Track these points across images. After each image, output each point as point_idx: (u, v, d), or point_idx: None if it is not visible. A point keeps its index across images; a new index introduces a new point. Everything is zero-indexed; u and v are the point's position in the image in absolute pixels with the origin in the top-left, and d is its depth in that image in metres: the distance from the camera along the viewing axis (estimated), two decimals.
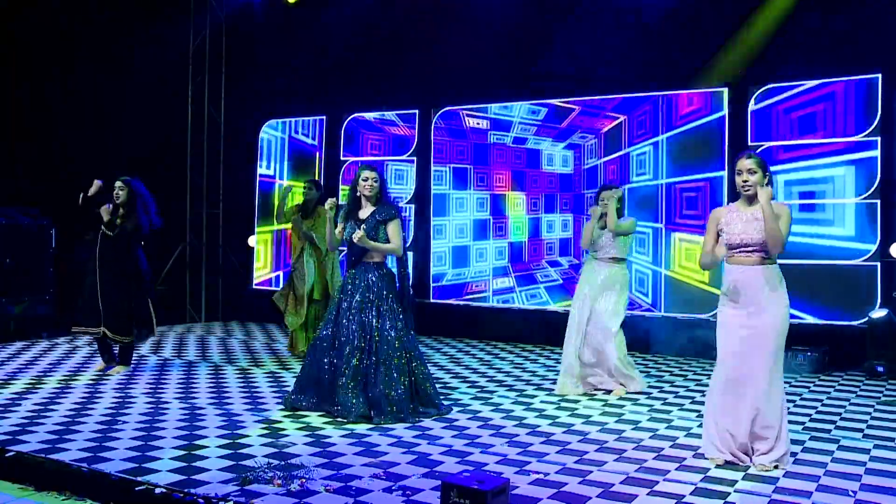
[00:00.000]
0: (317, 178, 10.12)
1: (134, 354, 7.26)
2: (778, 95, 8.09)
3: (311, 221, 7.94)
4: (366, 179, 5.58)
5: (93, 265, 6.85)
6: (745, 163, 4.42)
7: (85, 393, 6.14)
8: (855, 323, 7.67)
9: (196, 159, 11.40)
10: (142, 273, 6.87)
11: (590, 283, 6.43)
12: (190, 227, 11.47)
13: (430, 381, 5.65)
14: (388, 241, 5.50)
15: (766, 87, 8.13)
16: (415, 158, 10.19)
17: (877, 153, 7.63)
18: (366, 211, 5.61)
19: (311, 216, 7.97)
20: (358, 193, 5.64)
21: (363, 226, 5.49)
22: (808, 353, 7.53)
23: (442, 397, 5.82)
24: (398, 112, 10.29)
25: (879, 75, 7.64)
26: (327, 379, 5.48)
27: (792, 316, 4.56)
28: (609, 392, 6.37)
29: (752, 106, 8.18)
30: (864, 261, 7.65)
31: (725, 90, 8.35)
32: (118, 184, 6.88)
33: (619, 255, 6.41)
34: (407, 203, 10.10)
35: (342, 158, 10.74)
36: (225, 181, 11.57)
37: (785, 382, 6.82)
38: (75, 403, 5.75)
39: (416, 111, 10.15)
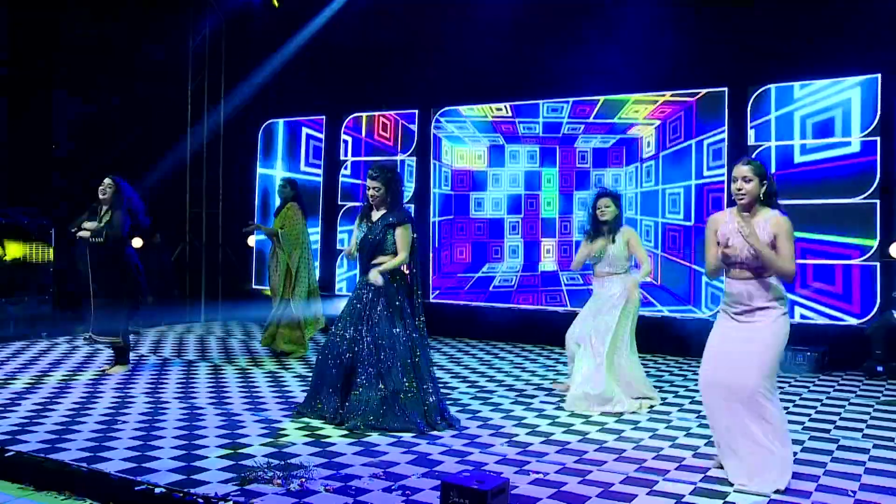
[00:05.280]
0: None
1: (132, 354, 7.25)
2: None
3: (280, 220, 8.01)
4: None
5: (84, 271, 6.81)
6: (741, 169, 4.06)
7: (84, 393, 6.12)
8: (854, 323, 7.68)
9: (195, 159, 11.38)
10: (133, 273, 6.79)
11: None
12: (190, 227, 11.46)
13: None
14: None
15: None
16: (415, 157, 10.20)
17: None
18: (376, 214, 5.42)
19: (278, 214, 8.08)
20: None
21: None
22: (808, 353, 7.53)
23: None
24: (398, 112, 10.31)
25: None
26: None
27: (791, 315, 4.42)
28: None
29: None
30: (866, 260, 7.67)
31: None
32: (107, 181, 6.77)
33: None
34: (407, 203, 10.09)
35: (342, 158, 10.74)
36: (225, 181, 11.55)
37: (784, 382, 6.86)
38: (75, 403, 5.74)
39: (416, 111, 10.16)
